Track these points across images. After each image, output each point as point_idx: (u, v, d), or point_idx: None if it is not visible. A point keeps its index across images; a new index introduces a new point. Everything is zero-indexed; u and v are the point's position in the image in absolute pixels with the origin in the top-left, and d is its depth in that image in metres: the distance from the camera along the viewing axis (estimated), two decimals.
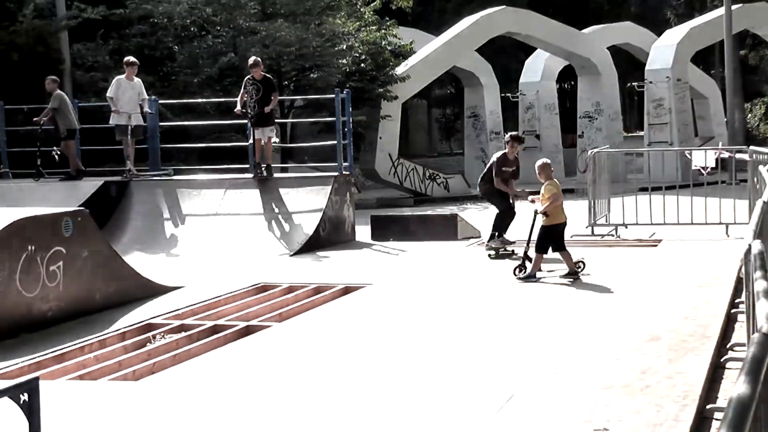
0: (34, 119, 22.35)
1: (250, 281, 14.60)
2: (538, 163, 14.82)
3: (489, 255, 16.53)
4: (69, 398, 8.54)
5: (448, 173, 40.48)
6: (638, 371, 8.36)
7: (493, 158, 17.24)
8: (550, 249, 14.06)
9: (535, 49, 45.41)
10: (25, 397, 7.24)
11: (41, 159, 22.26)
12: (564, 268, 14.07)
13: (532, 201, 14.67)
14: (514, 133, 18.29)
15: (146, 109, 21.40)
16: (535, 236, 14.24)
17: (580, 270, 13.98)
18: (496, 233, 16.63)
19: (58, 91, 22.52)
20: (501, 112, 44.65)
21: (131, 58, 22.30)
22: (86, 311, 12.49)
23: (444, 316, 12.10)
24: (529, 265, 14.07)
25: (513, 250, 16.12)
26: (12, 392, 7.28)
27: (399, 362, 9.79)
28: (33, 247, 11.93)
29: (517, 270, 14.17)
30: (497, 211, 16.96)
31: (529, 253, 14.19)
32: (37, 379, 7.50)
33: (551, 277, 13.99)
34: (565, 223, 14.40)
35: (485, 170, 17.32)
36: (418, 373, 9.24)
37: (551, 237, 14.06)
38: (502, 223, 16.76)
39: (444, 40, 41.21)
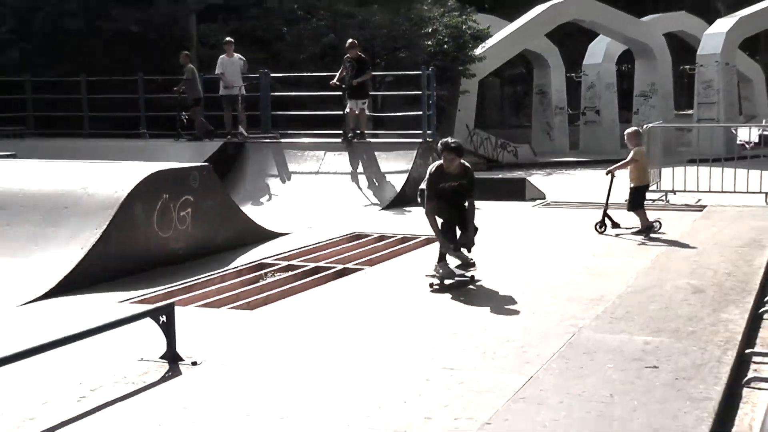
0: (174, 88, 23.08)
1: (346, 231, 14.80)
2: (629, 130, 14.56)
3: (430, 284, 10.73)
4: (196, 322, 8.84)
5: (516, 143, 40.19)
6: (685, 318, 8.40)
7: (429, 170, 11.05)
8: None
9: (597, 34, 44.83)
10: (163, 318, 7.76)
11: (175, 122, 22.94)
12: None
13: (608, 172, 14.28)
14: (446, 140, 10.80)
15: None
16: (611, 198, 14.23)
17: (657, 228, 13.86)
18: (452, 246, 10.97)
19: (190, 65, 23.09)
20: (565, 90, 44.17)
21: (228, 38, 22.83)
22: (209, 251, 12.78)
23: (509, 260, 12.26)
24: (609, 222, 14.00)
25: (473, 276, 10.98)
26: (153, 314, 7.82)
27: (473, 297, 10.07)
28: (167, 196, 12.30)
29: (598, 225, 14.03)
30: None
31: (608, 212, 14.07)
32: (172, 304, 8.03)
33: (627, 234, 13.84)
34: (648, 185, 14.33)
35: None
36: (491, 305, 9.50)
37: (640, 195, 14.13)
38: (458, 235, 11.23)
39: (517, 26, 40.98)
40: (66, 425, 6.30)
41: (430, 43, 32.84)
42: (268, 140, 21.61)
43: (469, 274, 11.12)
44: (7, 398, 6.84)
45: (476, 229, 11.34)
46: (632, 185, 14.19)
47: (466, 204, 11.25)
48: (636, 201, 14.17)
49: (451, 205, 11.23)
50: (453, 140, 11.08)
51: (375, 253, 13.07)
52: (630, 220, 14.17)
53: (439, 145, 11.22)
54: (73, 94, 25.05)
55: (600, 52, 44.95)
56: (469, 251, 11.22)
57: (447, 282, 10.83)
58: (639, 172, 14.16)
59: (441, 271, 10.94)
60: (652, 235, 13.68)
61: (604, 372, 6.80)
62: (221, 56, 22.32)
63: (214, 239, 13.10)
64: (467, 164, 11.25)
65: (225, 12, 28.80)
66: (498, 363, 7.47)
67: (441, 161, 10.83)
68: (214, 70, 22.77)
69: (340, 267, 11.94)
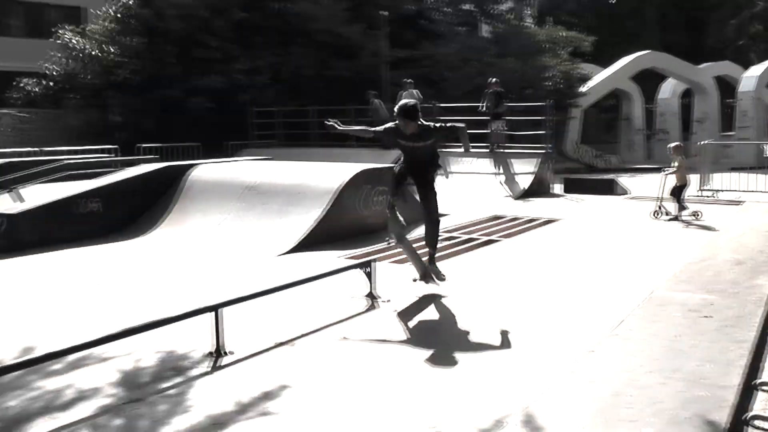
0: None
1: (489, 213, 14.67)
2: (672, 144, 14.39)
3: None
4: (387, 273, 8.86)
5: (608, 154, 39.42)
6: (730, 282, 8.10)
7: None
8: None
9: (667, 76, 43.56)
10: (367, 269, 7.86)
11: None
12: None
13: (664, 170, 14.07)
14: (403, 103, 7.96)
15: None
16: (664, 194, 13.81)
17: (699, 216, 13.44)
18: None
19: (375, 100, 23.58)
20: (643, 117, 43.05)
21: (407, 80, 23.02)
22: None
23: (608, 236, 11.92)
24: (663, 211, 13.69)
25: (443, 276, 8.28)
26: (361, 266, 7.92)
27: (586, 261, 9.89)
28: (368, 186, 12.43)
29: (655, 214, 13.72)
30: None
31: (662, 203, 13.75)
32: (373, 260, 8.12)
33: (679, 220, 13.43)
34: (687, 184, 13.89)
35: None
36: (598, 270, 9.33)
37: (681, 191, 13.72)
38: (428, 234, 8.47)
39: (610, 72, 40.29)
40: (318, 331, 6.66)
41: (549, 83, 32.60)
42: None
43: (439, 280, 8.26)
44: (282, 313, 7.12)
45: (437, 220, 8.51)
46: (677, 184, 13.80)
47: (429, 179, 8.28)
48: (678, 195, 13.79)
49: (413, 169, 8.25)
50: (410, 103, 7.99)
51: (510, 229, 12.90)
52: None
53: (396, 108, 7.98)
54: (306, 118, 25.62)
55: (669, 89, 43.66)
56: (434, 249, 8.41)
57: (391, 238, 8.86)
58: (681, 174, 13.76)
59: (391, 234, 8.66)
60: (702, 221, 13.24)
61: (672, 319, 6.67)
62: (403, 92, 22.53)
63: (400, 216, 12.98)
64: (431, 125, 8.08)
65: (408, 62, 29.00)
66: (597, 308, 7.45)
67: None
68: (398, 101, 23.03)
69: (485, 238, 11.85)
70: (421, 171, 8.25)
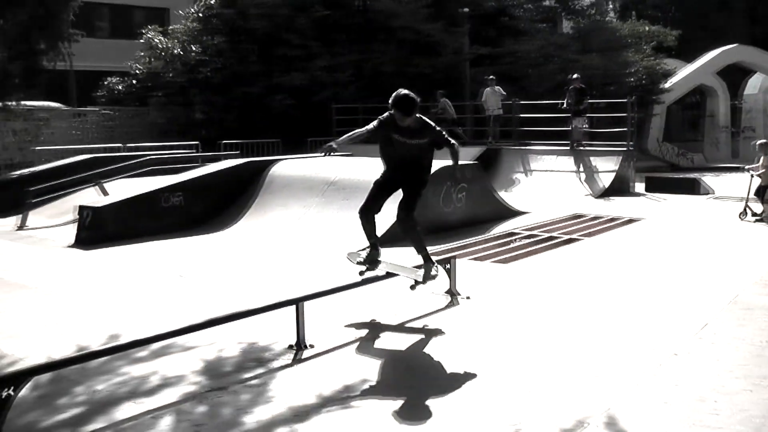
0: (432, 110, 23.33)
1: (570, 211, 14.47)
2: (760, 141, 13.80)
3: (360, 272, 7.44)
4: (468, 270, 8.85)
5: (692, 152, 38.52)
6: None
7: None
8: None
9: (754, 71, 42.34)
10: (447, 265, 7.84)
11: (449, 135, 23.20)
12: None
13: (748, 169, 13.58)
14: (397, 93, 7.06)
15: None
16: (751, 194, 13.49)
17: None
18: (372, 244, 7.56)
19: (443, 99, 23.58)
20: (729, 114, 41.95)
21: (491, 76, 22.89)
22: (474, 222, 12.64)
23: (691, 237, 11.64)
24: (749, 212, 13.30)
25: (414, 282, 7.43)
26: (441, 262, 7.90)
27: (668, 262, 9.67)
28: (449, 183, 12.35)
29: (741, 215, 13.34)
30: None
31: (749, 204, 13.39)
32: (454, 257, 8.10)
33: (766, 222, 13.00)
34: None
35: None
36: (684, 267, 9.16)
37: (767, 191, 13.28)
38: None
39: (695, 67, 39.37)
40: (398, 327, 6.52)
41: (631, 79, 32.03)
42: (516, 147, 21.46)
43: (414, 277, 7.39)
44: (362, 308, 7.13)
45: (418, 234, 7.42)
46: (761, 183, 13.37)
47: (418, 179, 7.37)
48: (762, 195, 13.36)
49: (403, 171, 7.28)
50: (405, 92, 6.97)
51: (591, 228, 12.70)
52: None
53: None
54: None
55: (755, 85, 42.42)
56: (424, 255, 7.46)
57: (362, 270, 7.40)
58: (766, 174, 13.31)
59: (361, 256, 7.54)
60: None
61: (759, 324, 6.51)
62: (486, 89, 22.48)
63: (478, 214, 12.99)
64: (432, 123, 7.24)
65: (489, 59, 28.83)
66: (680, 310, 7.26)
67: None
68: (480, 99, 23.00)
69: (567, 237, 11.70)
70: (411, 171, 7.29)
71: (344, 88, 26.86)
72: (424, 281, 7.36)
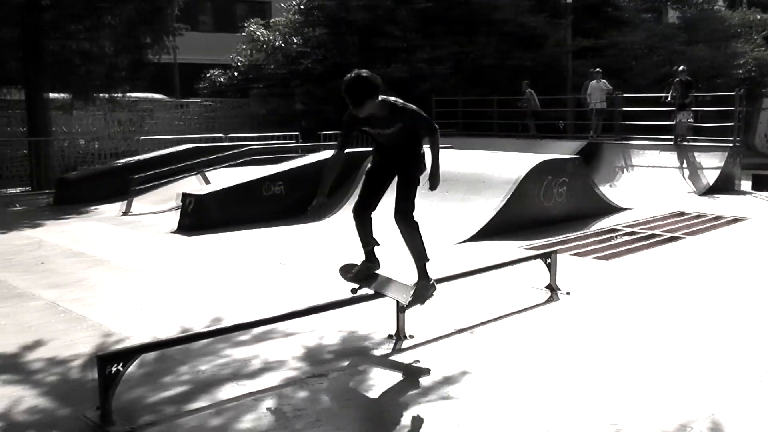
0: (518, 104, 23.92)
1: (673, 209, 14.12)
2: None
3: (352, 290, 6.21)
4: (568, 265, 8.74)
5: None
6: None
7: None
8: None
9: None
10: (548, 260, 7.74)
11: (534, 125, 23.76)
12: None
13: None
14: (344, 79, 5.73)
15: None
16: None
17: None
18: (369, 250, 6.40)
19: (528, 90, 23.59)
20: None
21: (597, 69, 22.51)
22: (575, 217, 12.46)
23: None
24: None
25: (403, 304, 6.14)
26: (542, 257, 7.81)
27: None
28: (550, 177, 12.25)
29: None
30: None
31: None
32: (555, 251, 8.00)
33: None
34: None
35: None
36: None
37: None
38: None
39: None
40: (497, 320, 6.58)
41: (740, 71, 30.93)
42: (617, 141, 21.06)
43: (402, 298, 6.02)
44: (461, 300, 7.12)
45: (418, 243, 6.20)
46: None
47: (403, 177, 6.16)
48: None
49: (384, 169, 6.29)
50: (348, 78, 5.71)
51: (694, 226, 12.36)
52: None
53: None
54: (487, 107, 25.61)
55: None
56: (421, 265, 6.19)
57: (355, 287, 6.20)
58: None
59: (353, 271, 6.38)
60: None
61: None
62: (591, 81, 22.14)
63: (579, 209, 12.80)
64: (405, 106, 5.91)
65: (591, 51, 28.39)
66: None
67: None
68: (583, 92, 22.69)
69: (669, 235, 11.42)
70: (399, 162, 6.16)
71: (444, 81, 26.84)
72: (411, 304, 6.00)
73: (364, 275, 6.25)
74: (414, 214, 6.15)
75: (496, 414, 4.68)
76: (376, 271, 6.32)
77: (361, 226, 6.29)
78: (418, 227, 6.18)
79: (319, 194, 6.04)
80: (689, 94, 19.68)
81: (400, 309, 6.14)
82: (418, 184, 6.20)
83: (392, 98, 5.95)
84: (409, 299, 5.95)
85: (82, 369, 5.55)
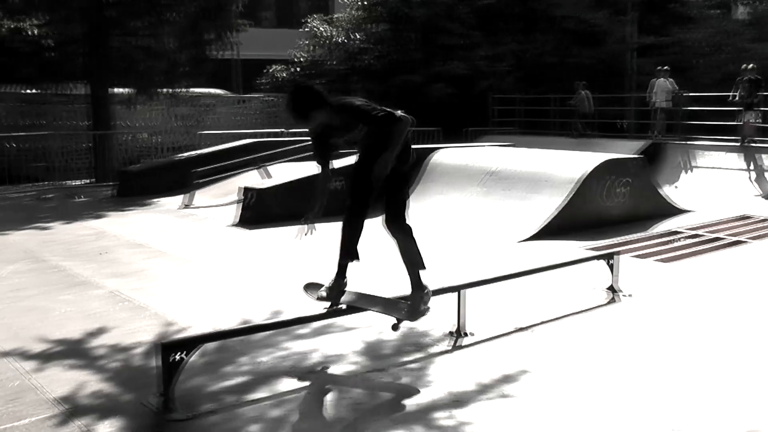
0: (568, 102, 23.63)
1: (737, 212, 13.73)
2: None
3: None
4: (629, 267, 8.57)
5: None
6: None
7: None
8: None
9: None
10: (609, 261, 7.65)
11: (581, 125, 23.39)
12: None
13: None
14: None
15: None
16: None
17: None
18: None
19: (582, 92, 23.17)
20: None
21: (665, 67, 22.08)
22: (636, 218, 12.25)
23: None
24: None
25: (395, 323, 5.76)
26: (604, 257, 7.73)
27: None
28: (612, 177, 12.08)
29: None
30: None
31: None
32: (616, 252, 7.89)
33: None
34: None
35: None
36: None
37: None
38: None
39: None
40: (557, 320, 6.57)
41: None
42: (681, 142, 20.71)
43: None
44: (520, 299, 7.08)
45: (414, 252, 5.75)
46: None
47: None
48: None
49: (362, 183, 5.76)
50: (295, 88, 5.72)
51: (760, 230, 12.02)
52: None
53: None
54: (547, 106, 25.42)
55: None
56: (414, 272, 5.76)
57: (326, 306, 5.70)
58: None
59: (322, 289, 5.76)
60: None
61: None
62: (656, 80, 21.79)
63: (640, 210, 12.59)
64: (349, 104, 5.48)
65: (654, 49, 27.92)
66: None
67: None
68: (646, 90, 22.33)
69: (733, 239, 11.14)
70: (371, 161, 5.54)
71: (503, 79, 26.71)
72: (411, 317, 5.67)
73: (336, 292, 5.72)
74: (407, 217, 5.72)
75: (554, 415, 4.63)
76: (346, 288, 5.80)
77: (351, 234, 5.88)
78: (412, 232, 5.72)
79: (311, 213, 5.94)
80: (757, 94, 19.22)
81: (394, 328, 5.71)
82: (410, 182, 5.91)
83: (343, 100, 5.56)
84: (404, 315, 5.61)
85: (144, 356, 5.64)
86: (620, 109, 25.60)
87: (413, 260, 5.71)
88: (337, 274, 5.80)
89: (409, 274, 5.73)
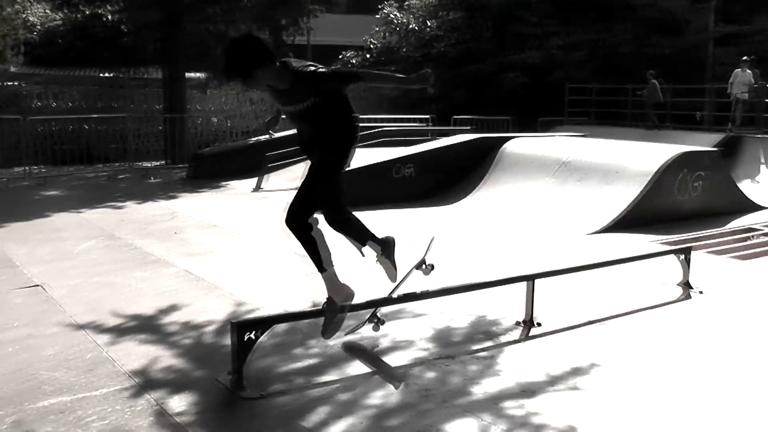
0: (638, 92, 23.39)
1: None
2: None
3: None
4: (703, 263, 8.41)
5: None
6: None
7: None
8: None
9: None
10: (682, 256, 7.52)
11: (656, 116, 23.07)
12: None
13: None
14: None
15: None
16: None
17: None
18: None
19: (653, 80, 22.75)
20: None
21: (748, 56, 21.54)
22: (710, 214, 12.01)
23: None
24: None
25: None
26: (676, 252, 7.60)
27: None
28: (686, 170, 11.87)
29: None
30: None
31: None
32: (690, 248, 7.76)
33: None
34: None
35: None
36: None
37: None
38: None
39: None
40: (628, 315, 6.52)
41: None
42: (760, 135, 20.19)
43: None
44: (591, 291, 7.04)
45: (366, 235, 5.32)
46: None
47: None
48: None
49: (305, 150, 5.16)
50: (235, 39, 4.91)
51: None
52: None
53: None
54: (622, 96, 25.05)
55: None
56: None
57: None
58: None
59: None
60: None
61: None
62: (737, 70, 21.28)
63: (715, 205, 12.35)
64: (309, 70, 4.67)
65: (736, 38, 27.21)
66: None
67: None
68: (727, 81, 21.80)
69: None
70: (309, 148, 5.09)
71: (578, 68, 26.38)
72: (382, 257, 5.44)
73: (392, 246, 5.53)
74: (345, 211, 5.11)
75: (624, 410, 4.58)
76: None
77: (302, 243, 5.08)
78: (355, 220, 5.23)
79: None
80: None
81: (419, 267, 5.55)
82: (337, 171, 5.01)
83: (297, 62, 4.73)
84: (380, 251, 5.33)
85: (215, 335, 5.75)
86: (698, 101, 25.01)
87: (361, 231, 5.31)
88: (378, 244, 5.42)
89: (365, 244, 5.34)
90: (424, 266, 5.61)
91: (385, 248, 5.41)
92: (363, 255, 5.34)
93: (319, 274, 5.14)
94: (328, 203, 4.98)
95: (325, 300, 5.13)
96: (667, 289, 7.39)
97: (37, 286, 7.29)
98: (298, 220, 4.98)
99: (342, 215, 5.10)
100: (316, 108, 4.75)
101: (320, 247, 5.04)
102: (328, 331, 5.12)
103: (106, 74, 23.13)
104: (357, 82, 4.93)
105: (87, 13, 23.10)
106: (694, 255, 7.92)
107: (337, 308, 5.08)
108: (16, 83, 22.02)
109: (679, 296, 7.26)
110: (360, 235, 5.27)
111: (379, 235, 5.41)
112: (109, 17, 22.43)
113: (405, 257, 5.84)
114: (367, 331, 5.79)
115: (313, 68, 4.69)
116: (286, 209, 4.97)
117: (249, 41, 4.64)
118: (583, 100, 25.89)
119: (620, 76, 25.94)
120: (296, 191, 4.99)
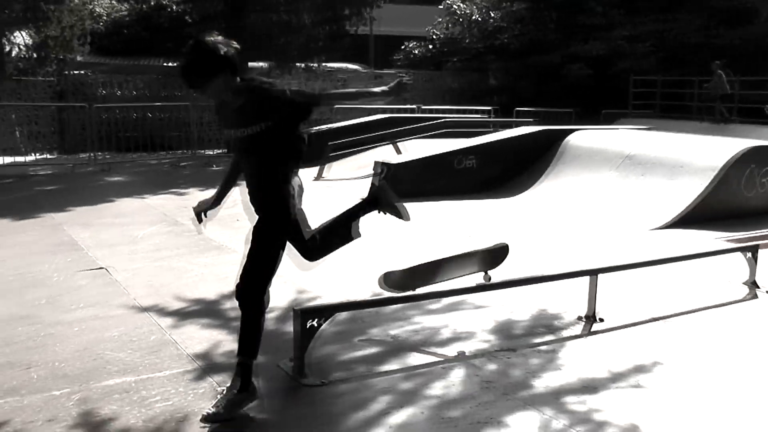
0: (704, 85, 23.05)
1: None
2: None
3: None
4: None
5: None
6: None
7: None
8: None
9: None
10: (748, 254, 7.37)
11: (724, 109, 22.76)
12: None
13: None
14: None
15: None
16: None
17: None
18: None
19: (719, 71, 22.38)
20: None
21: None
22: None
23: None
24: None
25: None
26: (743, 250, 7.44)
27: None
28: (753, 166, 11.55)
29: None
30: None
31: None
32: (757, 245, 7.59)
33: None
34: None
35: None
36: None
37: None
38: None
39: None
40: (692, 313, 6.38)
41: None
42: None
43: None
44: (653, 287, 6.92)
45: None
46: None
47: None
48: None
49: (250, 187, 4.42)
50: (193, 42, 3.98)
51: None
52: None
53: None
54: (688, 89, 24.63)
55: None
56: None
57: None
58: None
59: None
60: None
61: None
62: None
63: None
64: (268, 88, 4.11)
65: None
66: None
67: None
68: None
69: None
70: (252, 187, 4.41)
71: (643, 60, 25.97)
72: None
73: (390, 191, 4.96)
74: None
75: (687, 410, 4.51)
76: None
77: (243, 322, 4.38)
78: (324, 233, 4.73)
79: (203, 201, 4.97)
80: None
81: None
82: (276, 236, 4.42)
83: (259, 79, 4.21)
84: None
85: (276, 321, 5.80)
86: (767, 94, 24.48)
87: (346, 231, 4.82)
88: (365, 209, 4.92)
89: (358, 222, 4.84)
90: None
91: (377, 203, 4.87)
92: (359, 236, 4.85)
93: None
94: (270, 271, 4.35)
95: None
96: (733, 288, 7.24)
97: (102, 268, 7.47)
98: (248, 300, 4.31)
99: (313, 242, 4.61)
100: (264, 136, 4.09)
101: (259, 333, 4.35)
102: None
103: (170, 64, 23.43)
104: (317, 107, 4.37)
105: (152, 3, 23.50)
106: (762, 253, 7.75)
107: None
108: (82, 72, 22.43)
109: (744, 295, 7.10)
110: (342, 233, 4.79)
111: (362, 198, 5.00)
112: (174, 8, 22.77)
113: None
114: (428, 321, 5.81)
115: (267, 86, 4.11)
116: (237, 277, 4.33)
117: (199, 46, 3.93)
118: (647, 93, 25.51)
119: (687, 67, 25.48)
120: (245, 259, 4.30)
